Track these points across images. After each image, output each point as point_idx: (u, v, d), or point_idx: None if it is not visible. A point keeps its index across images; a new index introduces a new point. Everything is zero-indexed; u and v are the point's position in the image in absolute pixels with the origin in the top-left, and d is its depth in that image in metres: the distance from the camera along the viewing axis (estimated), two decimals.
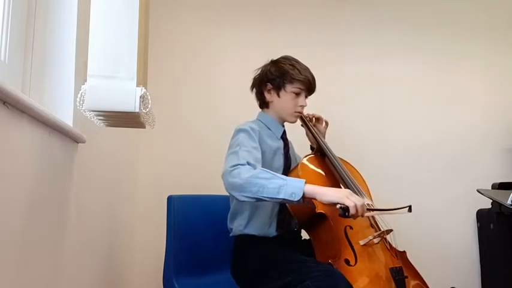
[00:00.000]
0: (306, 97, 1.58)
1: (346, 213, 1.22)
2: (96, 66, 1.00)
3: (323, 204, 1.28)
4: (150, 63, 1.22)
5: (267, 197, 1.25)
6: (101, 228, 1.64)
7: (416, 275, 1.45)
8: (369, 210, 1.37)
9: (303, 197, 1.23)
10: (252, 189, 1.25)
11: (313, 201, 1.39)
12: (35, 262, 0.98)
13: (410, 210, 1.39)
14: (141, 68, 1.05)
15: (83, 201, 1.34)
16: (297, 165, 1.51)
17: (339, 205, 1.23)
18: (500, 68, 2.68)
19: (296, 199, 1.23)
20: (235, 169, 1.30)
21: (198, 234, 1.69)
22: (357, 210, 1.23)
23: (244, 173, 1.27)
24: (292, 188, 1.23)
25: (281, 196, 1.23)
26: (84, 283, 1.40)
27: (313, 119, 1.70)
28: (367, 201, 1.47)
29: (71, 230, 1.21)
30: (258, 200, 1.27)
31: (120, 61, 1.00)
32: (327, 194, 1.25)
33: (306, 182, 1.25)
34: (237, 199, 1.31)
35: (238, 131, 1.47)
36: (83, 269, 1.38)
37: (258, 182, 1.25)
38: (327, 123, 1.73)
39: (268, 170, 1.30)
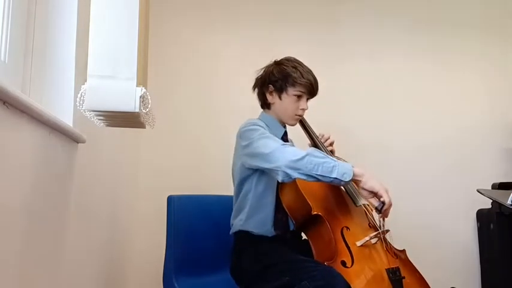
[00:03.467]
0: (308, 100, 1.58)
1: (381, 207, 1.32)
2: (96, 66, 1.00)
3: (362, 188, 1.35)
4: (150, 63, 1.22)
5: (320, 175, 1.30)
6: (101, 228, 1.64)
7: (416, 274, 1.45)
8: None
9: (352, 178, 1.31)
10: (307, 167, 1.30)
11: (310, 202, 1.40)
12: (35, 262, 0.98)
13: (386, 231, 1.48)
14: (141, 68, 1.05)
15: (83, 201, 1.34)
16: None
17: (379, 202, 1.33)
18: (500, 68, 2.68)
19: (347, 179, 1.30)
20: (287, 147, 1.36)
21: (198, 234, 1.69)
22: (389, 206, 1.33)
23: (300, 152, 1.33)
24: (343, 168, 1.30)
25: (333, 175, 1.29)
26: (84, 282, 1.40)
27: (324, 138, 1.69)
28: (363, 201, 1.48)
29: (71, 229, 1.22)
30: (309, 177, 1.31)
31: (120, 61, 1.00)
32: (372, 180, 1.33)
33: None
34: (289, 176, 1.32)
35: (252, 125, 1.49)
36: (83, 268, 1.38)
37: (313, 160, 1.30)
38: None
39: (320, 151, 1.37)
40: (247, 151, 1.45)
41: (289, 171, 1.31)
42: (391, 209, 1.34)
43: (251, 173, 1.50)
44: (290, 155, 1.32)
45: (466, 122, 2.61)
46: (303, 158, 1.30)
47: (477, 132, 2.60)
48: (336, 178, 1.29)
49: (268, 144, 1.38)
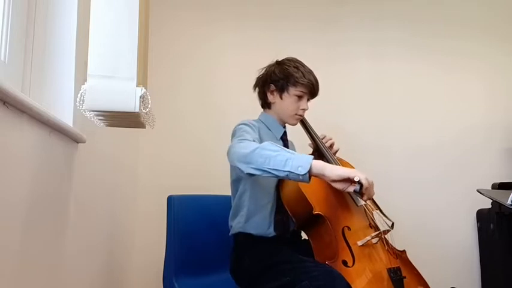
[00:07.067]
0: (308, 100, 1.58)
1: (360, 188, 1.20)
2: (96, 66, 1.00)
3: (331, 180, 1.21)
4: (150, 63, 1.22)
5: (273, 169, 1.22)
6: (101, 228, 1.64)
7: (416, 274, 1.45)
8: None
9: (310, 172, 1.19)
10: (258, 160, 1.23)
11: (311, 202, 1.39)
12: (34, 262, 0.98)
13: (392, 227, 1.46)
14: (141, 68, 1.05)
15: (83, 201, 1.34)
16: None
17: (357, 184, 1.20)
18: (500, 68, 2.68)
19: (302, 173, 1.18)
20: (243, 141, 1.32)
21: (198, 234, 1.69)
22: (368, 184, 1.21)
23: (252, 145, 1.28)
24: (299, 161, 1.19)
25: (287, 168, 1.19)
26: (84, 282, 1.40)
27: (327, 141, 1.66)
28: (364, 201, 1.48)
29: (71, 229, 1.22)
30: (264, 172, 1.24)
31: (120, 61, 1.01)
32: (337, 168, 1.21)
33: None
34: (241, 171, 1.28)
35: (241, 124, 1.50)
36: (83, 267, 1.38)
37: (264, 153, 1.23)
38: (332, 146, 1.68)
39: (277, 144, 1.28)
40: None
41: (242, 166, 1.27)
42: (373, 187, 1.24)
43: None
44: (241, 149, 1.29)
45: (466, 122, 2.61)
46: (253, 151, 1.24)
47: (477, 132, 2.60)
48: (290, 172, 1.19)
49: (234, 143, 1.36)
